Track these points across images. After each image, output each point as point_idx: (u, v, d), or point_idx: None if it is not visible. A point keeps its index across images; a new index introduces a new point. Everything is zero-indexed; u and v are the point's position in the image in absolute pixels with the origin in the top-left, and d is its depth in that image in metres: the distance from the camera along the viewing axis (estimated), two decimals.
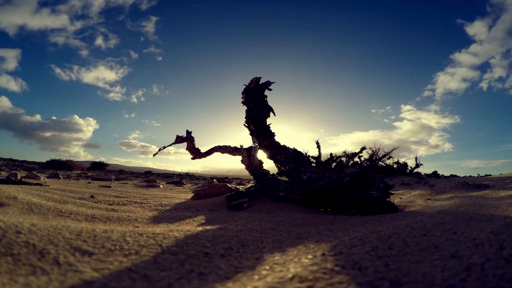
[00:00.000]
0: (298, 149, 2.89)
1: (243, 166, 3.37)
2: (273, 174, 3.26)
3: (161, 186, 6.15)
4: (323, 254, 0.79)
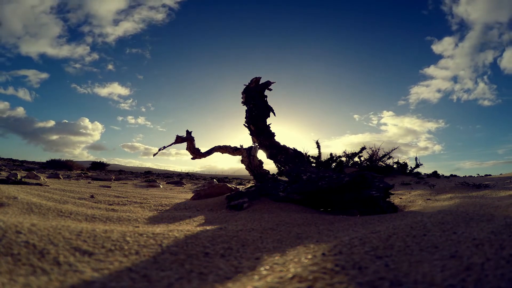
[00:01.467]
0: (298, 149, 2.89)
1: (243, 166, 3.37)
2: (273, 174, 3.26)
3: (161, 186, 6.15)
4: (323, 254, 0.79)
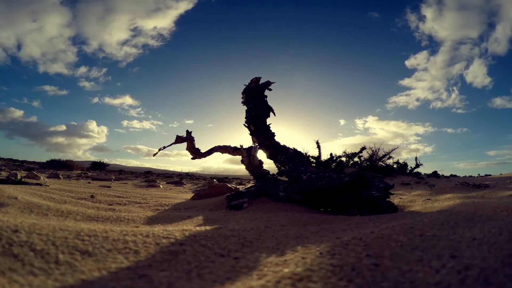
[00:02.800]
0: (298, 149, 2.89)
1: (243, 166, 3.37)
2: (273, 174, 3.26)
3: (161, 186, 6.15)
4: (322, 254, 0.79)
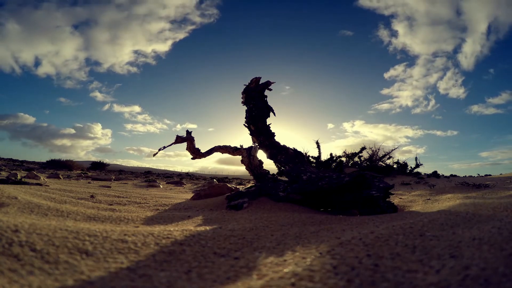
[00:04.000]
0: (298, 149, 2.89)
1: (242, 166, 3.37)
2: (273, 174, 3.26)
3: (161, 186, 6.15)
4: (322, 254, 0.79)
